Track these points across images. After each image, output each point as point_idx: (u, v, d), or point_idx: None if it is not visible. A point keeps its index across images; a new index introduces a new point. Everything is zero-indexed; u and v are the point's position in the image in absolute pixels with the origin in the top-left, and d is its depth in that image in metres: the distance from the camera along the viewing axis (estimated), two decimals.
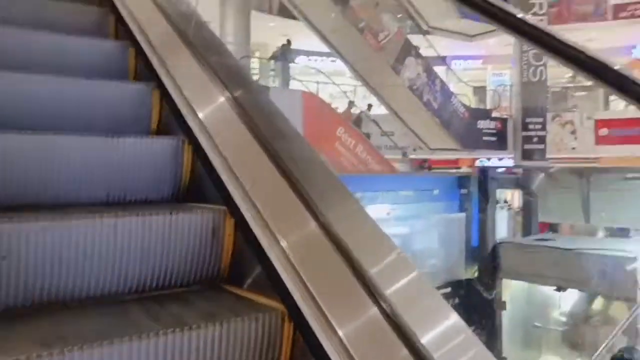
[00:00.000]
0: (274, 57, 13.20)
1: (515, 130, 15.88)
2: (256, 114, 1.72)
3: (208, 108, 1.84)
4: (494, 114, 16.21)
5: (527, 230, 7.46)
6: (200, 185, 1.81)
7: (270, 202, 1.45)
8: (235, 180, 1.55)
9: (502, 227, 7.49)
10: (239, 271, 1.52)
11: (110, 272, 1.35)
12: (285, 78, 12.94)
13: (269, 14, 15.42)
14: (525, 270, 6.17)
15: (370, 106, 13.90)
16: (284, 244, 1.30)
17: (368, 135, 13.72)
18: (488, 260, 6.48)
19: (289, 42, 13.43)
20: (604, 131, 16.00)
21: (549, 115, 15.87)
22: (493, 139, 15.80)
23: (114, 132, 1.76)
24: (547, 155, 15.91)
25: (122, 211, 1.42)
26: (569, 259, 5.66)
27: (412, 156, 15.99)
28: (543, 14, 15.30)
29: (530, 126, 15.48)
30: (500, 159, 17.87)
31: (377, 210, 5.59)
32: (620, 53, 19.01)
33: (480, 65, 21.21)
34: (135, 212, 1.43)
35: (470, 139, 15.21)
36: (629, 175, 6.58)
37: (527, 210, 7.38)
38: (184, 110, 1.86)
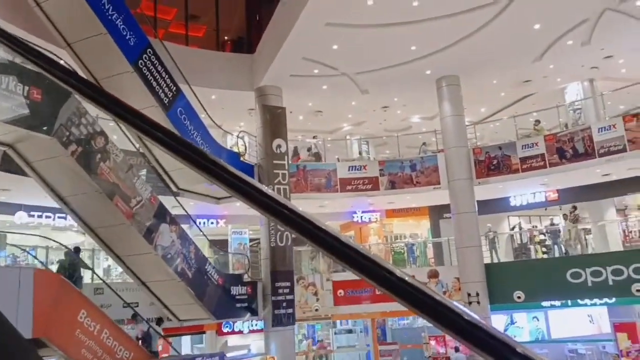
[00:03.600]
0: (61, 266, 11.46)
1: (265, 295, 15.85)
2: None
3: None
4: (245, 277, 15.96)
5: None
6: None
7: None
8: None
9: None
10: None
11: None
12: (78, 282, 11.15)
13: None
14: None
15: (161, 320, 12.77)
16: None
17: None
18: None
19: (77, 249, 11.81)
20: (340, 292, 17.27)
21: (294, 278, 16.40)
22: (245, 304, 15.38)
23: None
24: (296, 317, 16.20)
25: None
26: None
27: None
28: (286, 184, 16.43)
29: (280, 290, 15.67)
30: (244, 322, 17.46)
31: None
32: (344, 217, 21.68)
33: (222, 223, 21.36)
34: None
35: (224, 307, 14.46)
36: None
37: None
38: None
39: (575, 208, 19.01)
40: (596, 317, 20.50)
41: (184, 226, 15.07)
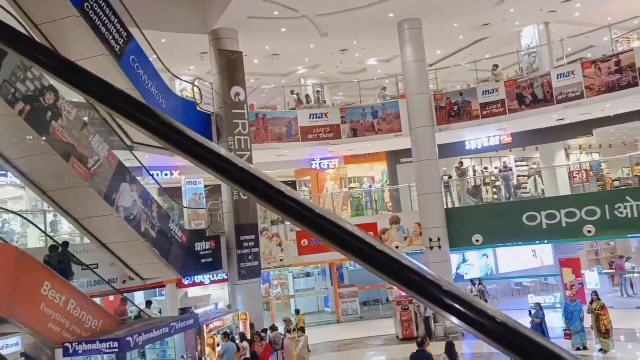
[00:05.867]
0: (48, 262, 10.41)
1: (230, 249, 15.52)
2: None
3: None
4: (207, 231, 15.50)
5: None
6: None
7: None
8: None
9: None
10: None
11: None
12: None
13: None
14: None
15: (150, 303, 12.15)
16: None
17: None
18: None
19: (66, 244, 11.13)
20: (304, 242, 17.19)
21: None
22: (209, 259, 15.01)
23: None
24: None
25: None
26: None
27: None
28: (246, 134, 15.75)
29: (245, 244, 15.36)
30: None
31: None
32: (303, 164, 21.34)
33: (176, 174, 20.46)
34: None
35: (190, 263, 14.05)
36: None
37: None
38: None
39: (461, 164, 19.83)
40: (539, 252, 21.64)
41: (138, 178, 14.26)
